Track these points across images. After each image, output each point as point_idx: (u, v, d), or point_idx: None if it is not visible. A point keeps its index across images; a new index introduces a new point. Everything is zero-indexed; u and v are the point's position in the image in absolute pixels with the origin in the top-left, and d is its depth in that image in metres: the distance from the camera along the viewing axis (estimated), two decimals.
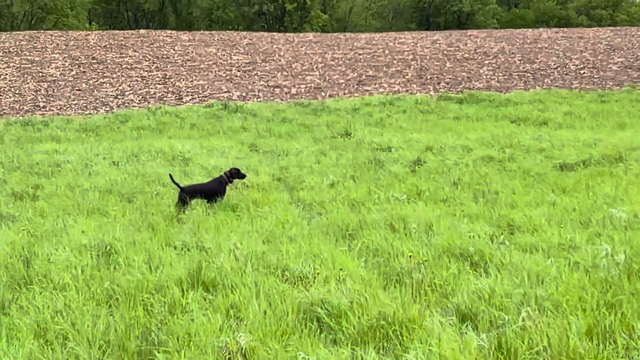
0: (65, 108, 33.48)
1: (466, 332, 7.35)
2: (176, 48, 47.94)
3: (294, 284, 9.22)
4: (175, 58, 44.93)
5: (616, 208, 12.71)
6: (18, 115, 31.78)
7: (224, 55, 46.00)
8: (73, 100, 34.93)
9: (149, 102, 34.18)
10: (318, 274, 9.26)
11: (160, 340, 7.52)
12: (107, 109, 33.14)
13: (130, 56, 45.25)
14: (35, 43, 48.33)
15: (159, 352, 7.27)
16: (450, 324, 7.63)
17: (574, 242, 10.66)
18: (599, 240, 10.80)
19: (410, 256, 9.81)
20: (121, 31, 57.30)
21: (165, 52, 46.51)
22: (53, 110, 32.95)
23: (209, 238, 11.80)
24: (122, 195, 16.31)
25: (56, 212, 14.76)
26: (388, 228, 12.22)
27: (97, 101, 34.78)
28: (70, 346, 7.39)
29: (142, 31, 55.62)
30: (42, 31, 56.36)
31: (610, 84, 36.47)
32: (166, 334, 7.63)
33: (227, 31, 62.54)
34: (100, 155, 22.01)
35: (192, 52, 46.87)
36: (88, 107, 33.64)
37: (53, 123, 29.32)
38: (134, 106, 33.57)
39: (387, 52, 47.09)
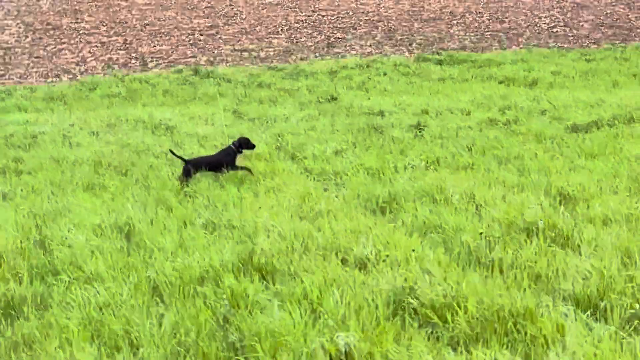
0: (25, 76, 31.94)
1: (594, 326, 6.32)
2: (133, 12, 46.28)
3: (360, 268, 8.13)
4: (134, 22, 43.34)
5: None
6: None
7: (184, 18, 44.47)
8: (32, 68, 33.36)
9: (112, 69, 32.69)
10: (387, 256, 8.14)
11: (241, 342, 6.37)
12: (70, 76, 31.66)
13: (86, 21, 43.56)
14: None
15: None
16: (571, 315, 6.54)
17: None
18: None
19: (481, 233, 8.79)
20: None
21: (123, 17, 44.86)
22: (13, 79, 31.40)
23: (233, 215, 10.72)
24: (115, 168, 15.13)
25: (49, 187, 13.58)
26: (427, 199, 11.19)
27: (58, 68, 33.24)
28: (143, 353, 6.18)
29: None
30: None
31: (587, 42, 35.74)
32: (245, 333, 6.48)
33: None
34: (75, 125, 20.71)
35: (151, 16, 45.27)
36: (49, 74, 32.11)
37: (17, 92, 27.79)
38: (98, 73, 32.09)
39: (350, 13, 45.91)
